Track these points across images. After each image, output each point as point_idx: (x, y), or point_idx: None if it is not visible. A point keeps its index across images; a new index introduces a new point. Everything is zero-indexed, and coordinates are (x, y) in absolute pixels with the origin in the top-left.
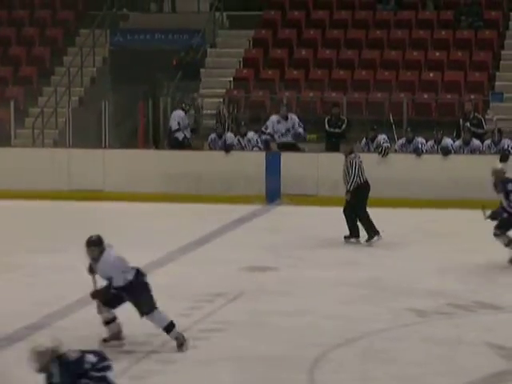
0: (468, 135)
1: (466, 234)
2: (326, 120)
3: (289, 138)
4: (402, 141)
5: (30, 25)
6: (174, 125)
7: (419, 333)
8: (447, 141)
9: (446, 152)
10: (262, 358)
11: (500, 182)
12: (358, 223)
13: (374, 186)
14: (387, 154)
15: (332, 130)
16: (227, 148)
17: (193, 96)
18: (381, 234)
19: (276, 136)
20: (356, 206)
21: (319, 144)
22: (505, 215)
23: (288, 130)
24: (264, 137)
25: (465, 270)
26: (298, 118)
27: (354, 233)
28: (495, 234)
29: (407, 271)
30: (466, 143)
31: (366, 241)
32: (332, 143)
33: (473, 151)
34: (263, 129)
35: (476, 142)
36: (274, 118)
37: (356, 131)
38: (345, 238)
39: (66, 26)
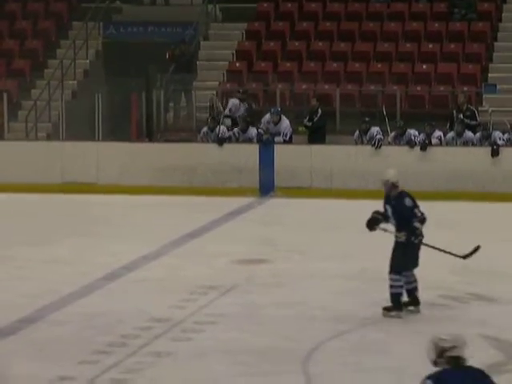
0: (461, 127)
1: (460, 226)
2: (308, 114)
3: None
4: (395, 133)
5: (23, 18)
6: (226, 110)
7: (412, 324)
8: (411, 132)
9: (411, 145)
10: (256, 350)
11: None
12: None
13: (367, 179)
14: (380, 146)
15: (307, 123)
16: (220, 141)
17: (243, 88)
18: None
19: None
20: None
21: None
22: None
23: (279, 134)
24: (259, 130)
25: (459, 262)
26: (292, 113)
27: None
28: None
29: None
30: (459, 135)
31: None
32: (309, 136)
33: (466, 143)
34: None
35: (469, 133)
36: (267, 117)
37: (349, 124)
38: None
39: (59, 19)
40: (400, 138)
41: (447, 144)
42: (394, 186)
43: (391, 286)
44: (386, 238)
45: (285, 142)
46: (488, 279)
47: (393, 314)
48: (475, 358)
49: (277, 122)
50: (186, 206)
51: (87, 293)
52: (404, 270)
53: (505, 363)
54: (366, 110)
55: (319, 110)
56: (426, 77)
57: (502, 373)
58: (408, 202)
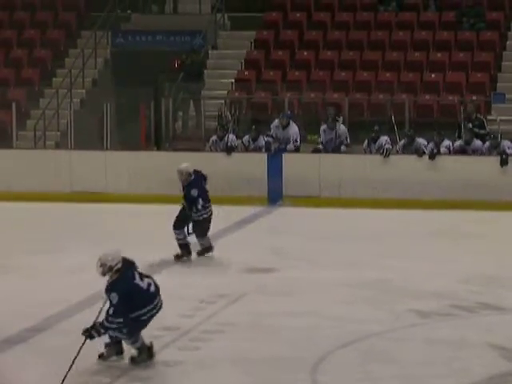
0: (469, 135)
1: (469, 235)
2: (323, 122)
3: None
4: (404, 141)
5: (31, 27)
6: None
7: (421, 334)
8: (419, 140)
9: (419, 154)
10: (265, 360)
11: None
12: None
13: (376, 188)
14: (389, 155)
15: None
16: (229, 149)
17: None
18: None
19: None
20: None
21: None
22: None
23: (287, 139)
24: (266, 138)
25: (468, 271)
26: (301, 122)
27: None
28: None
29: (410, 272)
30: (468, 143)
31: None
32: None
33: (474, 152)
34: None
35: (477, 142)
36: (275, 122)
37: (357, 132)
38: None
39: (68, 28)
40: (409, 147)
41: (456, 153)
42: (189, 175)
43: (177, 239)
44: (393, 248)
45: (296, 148)
46: (497, 289)
47: (184, 258)
48: (483, 367)
49: (285, 126)
50: None
51: (96, 302)
52: (179, 228)
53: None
54: (375, 119)
55: (339, 118)
56: (434, 86)
57: (510, 383)
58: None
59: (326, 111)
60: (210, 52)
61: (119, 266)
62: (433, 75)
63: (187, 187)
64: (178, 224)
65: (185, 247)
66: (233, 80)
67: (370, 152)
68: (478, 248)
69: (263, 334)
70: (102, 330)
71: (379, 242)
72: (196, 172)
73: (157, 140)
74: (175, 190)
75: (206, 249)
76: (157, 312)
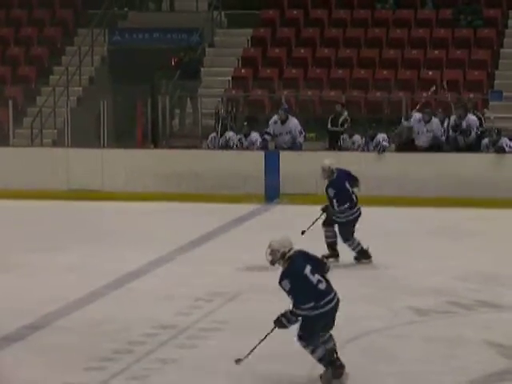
0: (462, 110)
1: (468, 233)
2: (330, 119)
3: (284, 142)
4: (421, 116)
5: (28, 24)
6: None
7: (420, 331)
8: (435, 120)
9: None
10: (262, 357)
11: None
12: None
13: (372, 184)
14: (384, 151)
15: (335, 128)
16: (227, 147)
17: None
18: None
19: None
20: None
21: (318, 143)
22: None
23: (287, 133)
24: (264, 136)
25: (466, 269)
26: (298, 119)
27: None
28: None
29: (408, 270)
30: (461, 118)
31: None
32: (333, 142)
33: (468, 128)
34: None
35: (472, 117)
36: (274, 117)
37: (355, 130)
38: None
39: (65, 26)
40: (369, 143)
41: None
42: (332, 172)
43: (325, 237)
44: (392, 246)
45: (304, 138)
46: (496, 286)
47: (331, 260)
48: (481, 364)
49: (284, 120)
50: (191, 213)
51: (93, 299)
52: (328, 226)
53: (510, 371)
54: (372, 117)
55: (345, 116)
56: (432, 83)
57: (507, 380)
58: (330, 191)
59: (329, 109)
60: (206, 49)
61: (292, 252)
62: (430, 73)
63: (327, 185)
64: (328, 221)
65: (332, 247)
66: (229, 78)
67: (368, 149)
68: (476, 245)
69: (260, 332)
70: (294, 318)
71: (377, 240)
72: (340, 170)
73: (154, 138)
74: (172, 188)
75: (362, 253)
76: (331, 313)
